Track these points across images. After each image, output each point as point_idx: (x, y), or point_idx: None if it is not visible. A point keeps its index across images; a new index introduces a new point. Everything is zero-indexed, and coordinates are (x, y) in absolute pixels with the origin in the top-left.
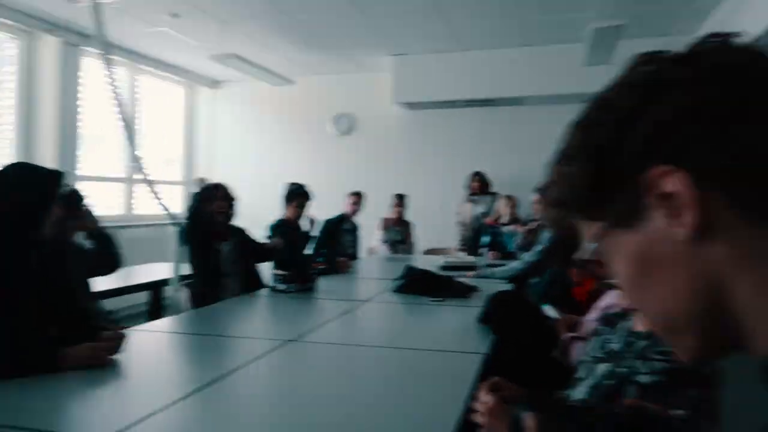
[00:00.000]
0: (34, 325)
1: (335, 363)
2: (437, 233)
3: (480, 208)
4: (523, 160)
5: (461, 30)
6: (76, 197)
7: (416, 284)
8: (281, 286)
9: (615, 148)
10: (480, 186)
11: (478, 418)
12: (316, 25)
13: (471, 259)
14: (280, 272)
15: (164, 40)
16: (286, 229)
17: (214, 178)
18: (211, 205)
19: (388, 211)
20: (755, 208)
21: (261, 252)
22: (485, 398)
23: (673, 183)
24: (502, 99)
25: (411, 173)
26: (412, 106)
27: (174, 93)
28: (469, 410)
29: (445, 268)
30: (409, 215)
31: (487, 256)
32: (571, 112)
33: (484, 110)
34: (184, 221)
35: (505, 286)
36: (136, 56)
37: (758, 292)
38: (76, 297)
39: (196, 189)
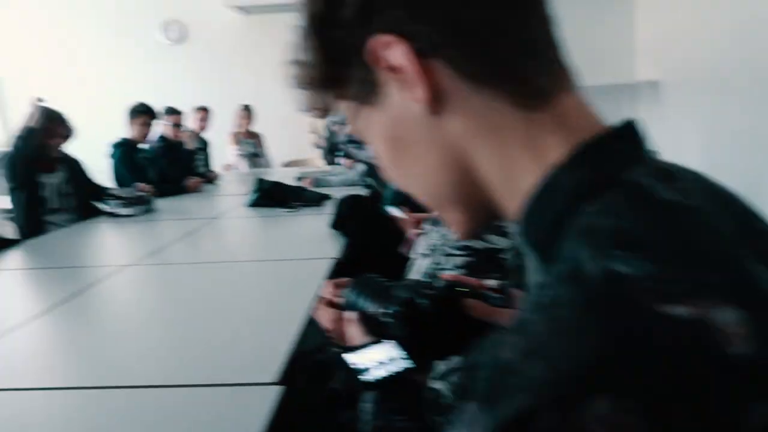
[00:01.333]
0: None
1: (179, 283)
2: (294, 145)
3: (332, 116)
4: None
5: None
6: None
7: (269, 197)
8: (121, 210)
9: (331, 18)
10: None
11: (323, 322)
12: None
13: (329, 169)
14: (116, 195)
15: None
16: (128, 149)
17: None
18: (47, 138)
19: (235, 125)
20: (481, 77)
21: (95, 189)
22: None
23: (395, 54)
24: None
25: (255, 83)
26: (246, 10)
27: None
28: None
29: (300, 179)
30: (259, 127)
31: (343, 165)
32: None
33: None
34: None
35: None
36: None
37: (496, 162)
38: None
39: (33, 114)
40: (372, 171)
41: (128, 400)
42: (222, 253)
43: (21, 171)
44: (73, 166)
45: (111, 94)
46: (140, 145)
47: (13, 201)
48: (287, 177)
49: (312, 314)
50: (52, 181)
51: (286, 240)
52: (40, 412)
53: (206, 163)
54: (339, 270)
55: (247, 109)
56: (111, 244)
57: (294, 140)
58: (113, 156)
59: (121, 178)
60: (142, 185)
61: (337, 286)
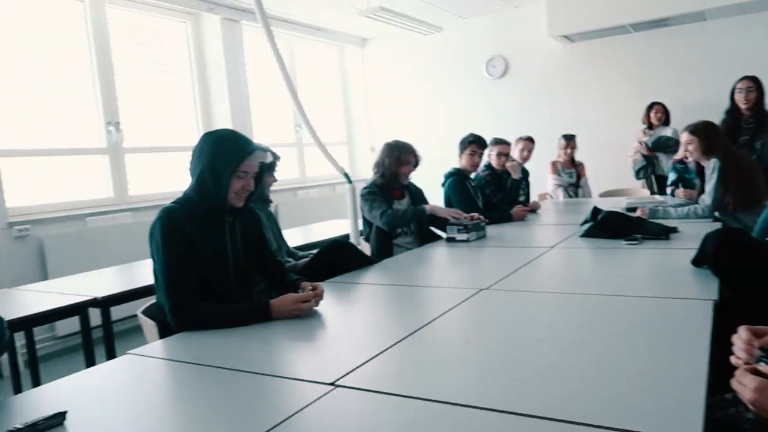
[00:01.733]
0: (243, 282)
1: (536, 311)
2: (613, 174)
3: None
4: (707, 85)
5: None
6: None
7: (606, 227)
8: (458, 236)
9: None
10: (659, 118)
11: (744, 392)
12: None
13: (659, 199)
14: (456, 222)
15: (313, 4)
16: (459, 178)
17: (373, 135)
18: (399, 166)
19: (555, 154)
20: None
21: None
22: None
23: None
24: (679, 16)
25: (575, 111)
26: (570, 38)
27: (327, 56)
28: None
29: (629, 210)
30: (579, 155)
31: (677, 195)
32: (762, 23)
33: (656, 32)
34: (371, 179)
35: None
36: (289, 24)
37: None
38: (272, 253)
39: (386, 148)
40: (718, 204)
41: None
42: (576, 283)
43: (380, 198)
44: (416, 194)
45: (442, 126)
46: (472, 174)
47: (367, 224)
48: (614, 207)
49: (732, 381)
50: (401, 206)
51: (640, 274)
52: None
53: (527, 192)
54: (721, 315)
55: (568, 139)
56: (456, 267)
57: (614, 169)
58: (445, 185)
59: (453, 206)
60: (473, 214)
61: (757, 334)
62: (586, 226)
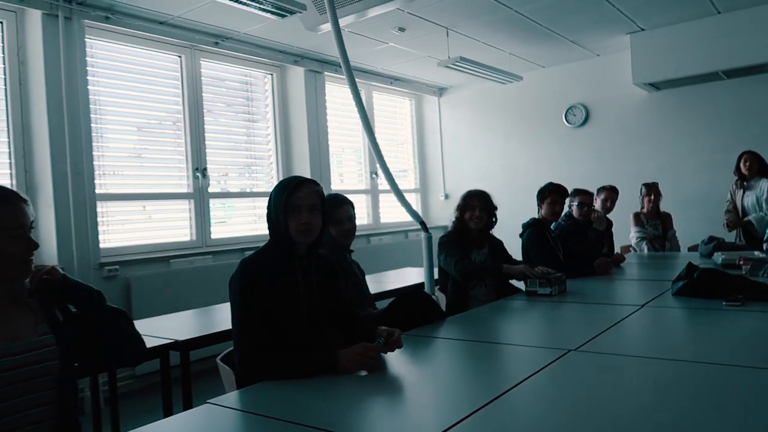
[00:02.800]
0: (315, 329)
1: (631, 378)
2: (702, 227)
3: (754, 195)
4: None
5: None
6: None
7: (703, 285)
8: (541, 290)
9: None
10: (749, 167)
11: None
12: (540, 15)
13: (757, 254)
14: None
15: (392, 55)
16: (537, 228)
17: (450, 185)
18: (464, 212)
19: (637, 206)
20: None
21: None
22: None
23: None
24: None
25: (661, 161)
26: (656, 86)
27: (403, 105)
28: None
29: (725, 266)
30: (665, 207)
31: None
32: None
33: (750, 80)
34: (448, 228)
35: None
36: (367, 74)
37: None
38: (347, 302)
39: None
40: None
41: None
42: (675, 348)
43: (456, 246)
44: (495, 246)
45: (519, 176)
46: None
47: (443, 274)
48: (707, 263)
49: None
50: (478, 257)
51: (748, 341)
52: None
53: (610, 244)
54: None
55: (649, 187)
56: (539, 324)
57: (703, 222)
58: (524, 236)
59: (531, 258)
60: (545, 270)
61: None
62: (680, 283)
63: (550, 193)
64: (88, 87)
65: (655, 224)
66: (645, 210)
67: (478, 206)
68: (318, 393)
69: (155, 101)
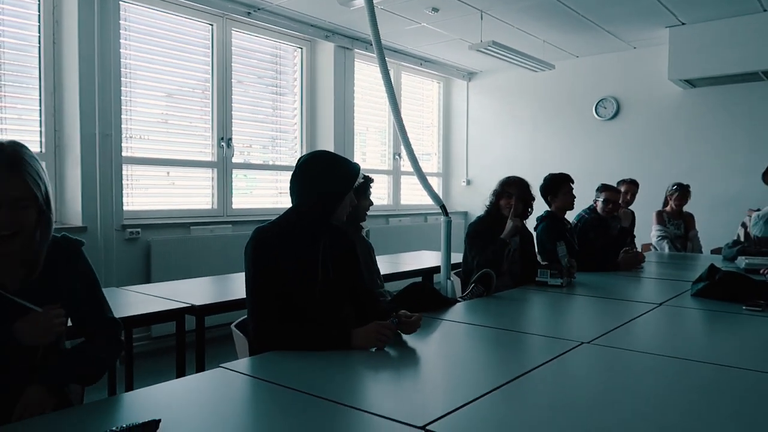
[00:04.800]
0: (329, 303)
1: (643, 375)
2: (728, 230)
3: None
4: None
5: None
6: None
7: (724, 288)
8: (552, 281)
9: None
10: None
11: None
12: (578, 3)
13: None
14: (548, 266)
15: (424, 36)
16: (552, 221)
17: (472, 171)
18: (499, 198)
19: (661, 203)
20: None
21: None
22: None
23: None
24: None
25: (690, 160)
26: (692, 83)
27: (431, 87)
28: None
29: (748, 271)
30: (692, 208)
31: None
32: None
33: None
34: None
35: None
36: (397, 54)
37: None
38: (365, 280)
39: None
40: None
41: None
42: (683, 349)
43: (481, 239)
44: (526, 236)
45: (544, 166)
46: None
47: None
48: (730, 267)
49: None
50: (512, 245)
51: (762, 346)
52: None
53: (631, 241)
54: None
55: (679, 188)
56: (554, 315)
57: (729, 225)
58: (538, 229)
59: (546, 250)
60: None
61: None
62: (701, 284)
63: (562, 184)
64: (120, 50)
65: (677, 224)
66: (669, 209)
67: (514, 194)
68: (329, 365)
69: (185, 68)
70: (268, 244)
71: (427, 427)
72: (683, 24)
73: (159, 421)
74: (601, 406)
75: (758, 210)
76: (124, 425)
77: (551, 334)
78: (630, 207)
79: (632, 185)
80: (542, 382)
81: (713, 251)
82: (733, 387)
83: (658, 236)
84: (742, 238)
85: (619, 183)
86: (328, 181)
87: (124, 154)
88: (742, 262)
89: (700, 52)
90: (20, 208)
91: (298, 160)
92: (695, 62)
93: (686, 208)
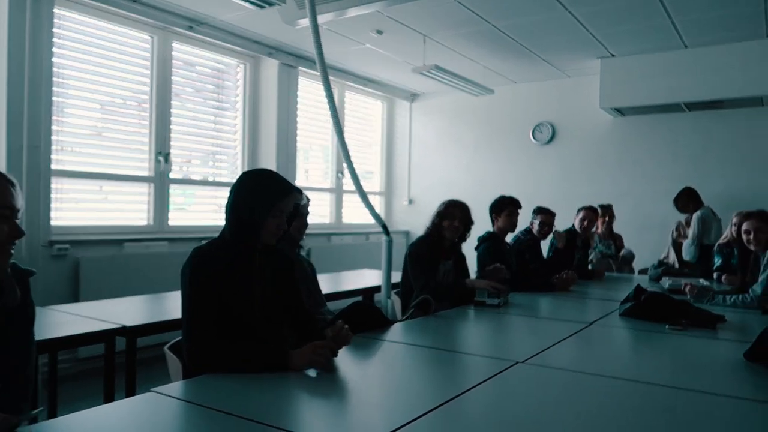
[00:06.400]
0: (268, 327)
1: (575, 394)
2: (654, 251)
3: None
4: (758, 173)
5: (685, 24)
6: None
7: (649, 308)
8: (489, 301)
9: None
10: (683, 204)
11: None
12: (517, 32)
13: (704, 282)
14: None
15: (368, 57)
16: (493, 242)
17: (414, 190)
18: (442, 220)
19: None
20: None
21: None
22: None
23: None
24: (736, 100)
25: (620, 184)
26: (621, 111)
27: (374, 107)
28: None
29: (672, 291)
30: (619, 229)
31: (723, 281)
32: None
33: (711, 114)
34: (421, 235)
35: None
36: (342, 73)
37: None
38: (303, 301)
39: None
40: None
41: None
42: (617, 367)
43: (425, 262)
44: (461, 260)
45: (483, 187)
46: (509, 236)
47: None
48: (655, 287)
49: None
50: (445, 268)
51: (685, 364)
52: None
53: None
54: None
55: (606, 209)
56: (489, 335)
57: (655, 246)
58: (479, 249)
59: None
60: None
61: None
62: (628, 304)
63: (507, 205)
64: (53, 59)
65: (608, 244)
66: (599, 230)
67: (458, 217)
68: (266, 388)
69: (122, 80)
70: (205, 264)
71: None
72: (613, 56)
73: None
74: (535, 425)
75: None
76: None
77: (488, 353)
78: (587, 231)
79: (590, 212)
80: (479, 402)
81: (640, 272)
82: (658, 404)
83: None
84: (670, 255)
85: (579, 210)
86: (245, 206)
87: (54, 167)
88: (666, 282)
89: (629, 83)
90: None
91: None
92: (624, 92)
93: (616, 230)
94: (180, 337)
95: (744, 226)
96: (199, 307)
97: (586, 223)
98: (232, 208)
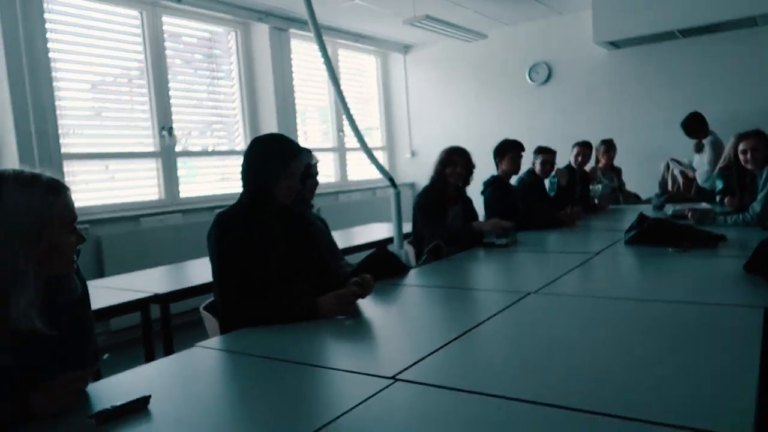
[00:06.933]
0: (290, 281)
1: (586, 316)
2: (654, 180)
3: (705, 155)
4: (757, 93)
5: None
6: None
7: (653, 234)
8: (498, 241)
9: None
10: (694, 129)
11: None
12: None
13: (706, 206)
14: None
15: (358, 13)
16: (498, 185)
17: (416, 142)
18: (444, 167)
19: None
20: None
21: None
22: None
23: None
24: (730, 22)
25: (620, 118)
26: (616, 44)
27: (368, 62)
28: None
29: (675, 216)
30: (621, 164)
31: (726, 204)
32: None
33: (706, 39)
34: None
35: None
36: (334, 32)
37: None
38: (324, 257)
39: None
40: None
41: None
42: (624, 289)
43: (433, 211)
44: (468, 203)
45: (483, 133)
46: (513, 179)
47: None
48: (660, 214)
49: None
50: (453, 213)
51: (687, 281)
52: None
53: (584, 195)
54: None
55: (606, 144)
56: (502, 272)
57: (655, 175)
58: (485, 193)
59: (495, 213)
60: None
61: None
62: (632, 232)
63: (510, 149)
64: (48, 45)
65: (611, 177)
66: (601, 165)
67: (460, 163)
68: (299, 334)
69: (116, 58)
70: (229, 228)
71: (397, 377)
72: None
73: (149, 397)
74: (550, 347)
75: (676, 160)
76: (116, 404)
77: (500, 288)
78: (583, 167)
79: (584, 147)
80: (496, 330)
81: (644, 201)
82: (665, 319)
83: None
84: (669, 183)
85: (573, 146)
86: (258, 171)
87: (63, 150)
88: (669, 209)
89: (621, 15)
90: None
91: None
92: (617, 24)
93: (616, 162)
94: (212, 299)
95: (741, 146)
96: (229, 269)
97: (581, 158)
98: (246, 174)
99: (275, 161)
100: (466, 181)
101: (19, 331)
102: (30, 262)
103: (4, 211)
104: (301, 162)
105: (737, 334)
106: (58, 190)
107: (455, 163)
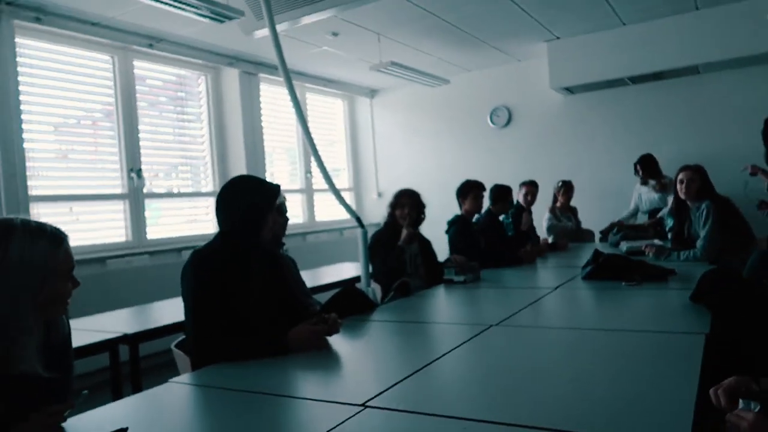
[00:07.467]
0: (264, 317)
1: (545, 346)
2: (611, 218)
3: (654, 193)
4: (702, 136)
5: (620, 3)
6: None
7: (607, 269)
8: (456, 278)
9: None
10: (644, 172)
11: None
12: (465, 23)
13: (659, 242)
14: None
15: (326, 58)
16: (462, 224)
17: (383, 183)
18: (394, 209)
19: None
20: None
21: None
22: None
23: None
24: (674, 70)
25: (576, 159)
26: (571, 90)
27: (336, 106)
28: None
29: (630, 253)
30: (578, 202)
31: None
32: (760, 75)
33: (653, 85)
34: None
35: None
36: (303, 76)
37: None
38: (295, 294)
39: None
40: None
41: None
42: (581, 320)
43: (380, 247)
44: (425, 244)
45: (447, 174)
46: (476, 217)
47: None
48: (615, 251)
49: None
50: (410, 251)
51: (639, 312)
52: None
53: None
54: (711, 348)
55: (566, 185)
56: (463, 307)
57: (612, 213)
58: (450, 231)
59: (458, 251)
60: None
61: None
62: (588, 268)
63: (473, 189)
64: (20, 88)
65: (568, 216)
66: (559, 204)
67: (407, 204)
68: (270, 367)
69: (87, 101)
70: (205, 265)
71: (367, 404)
72: (558, 38)
73: (126, 429)
74: (511, 375)
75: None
76: None
77: (464, 321)
78: (531, 206)
79: (532, 186)
80: (460, 359)
81: (601, 239)
82: (617, 345)
83: (546, 227)
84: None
85: (520, 185)
86: (249, 201)
87: (30, 192)
88: (624, 246)
89: (575, 63)
90: None
91: (221, 187)
92: (571, 72)
93: (574, 202)
94: (183, 338)
95: (679, 176)
96: (202, 305)
97: (529, 197)
98: (231, 210)
99: (264, 195)
100: (417, 222)
101: (10, 376)
102: (34, 310)
103: (13, 261)
104: (281, 199)
105: (681, 359)
106: (61, 240)
107: (403, 205)
